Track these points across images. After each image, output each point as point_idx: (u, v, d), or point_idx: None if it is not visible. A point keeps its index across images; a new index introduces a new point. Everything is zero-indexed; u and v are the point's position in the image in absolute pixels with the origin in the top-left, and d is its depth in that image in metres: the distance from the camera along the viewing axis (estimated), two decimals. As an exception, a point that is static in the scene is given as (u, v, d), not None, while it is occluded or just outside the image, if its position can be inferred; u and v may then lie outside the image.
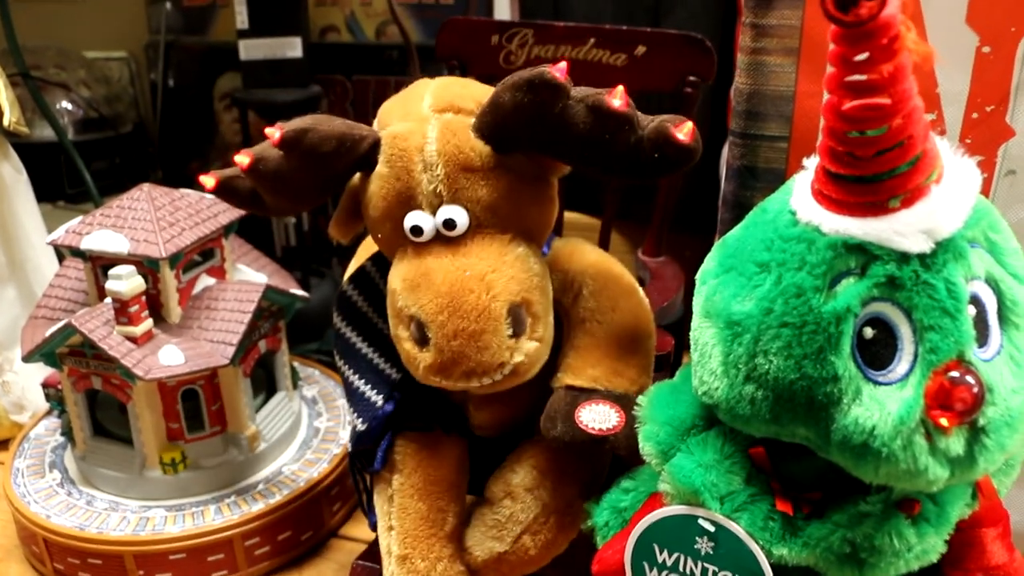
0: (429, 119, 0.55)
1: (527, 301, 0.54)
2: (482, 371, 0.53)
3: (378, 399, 0.62)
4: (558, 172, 0.58)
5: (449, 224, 0.54)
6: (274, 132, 0.55)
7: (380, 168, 0.56)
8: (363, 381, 0.64)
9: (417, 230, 0.55)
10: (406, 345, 0.55)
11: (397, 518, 0.62)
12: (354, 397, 0.64)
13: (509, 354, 0.53)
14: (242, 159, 0.57)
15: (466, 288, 0.53)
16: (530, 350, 0.54)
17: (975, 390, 0.38)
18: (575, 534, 0.60)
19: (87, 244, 0.72)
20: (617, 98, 0.49)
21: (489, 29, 0.77)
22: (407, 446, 0.63)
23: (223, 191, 0.60)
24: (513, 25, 0.75)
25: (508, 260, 0.54)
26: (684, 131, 0.48)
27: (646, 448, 0.49)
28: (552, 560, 0.61)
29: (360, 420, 0.63)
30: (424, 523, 0.61)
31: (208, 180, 0.59)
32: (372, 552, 0.67)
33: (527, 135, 0.53)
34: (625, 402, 0.56)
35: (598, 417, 0.55)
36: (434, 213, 0.54)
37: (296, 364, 0.93)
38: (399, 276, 0.56)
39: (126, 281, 0.69)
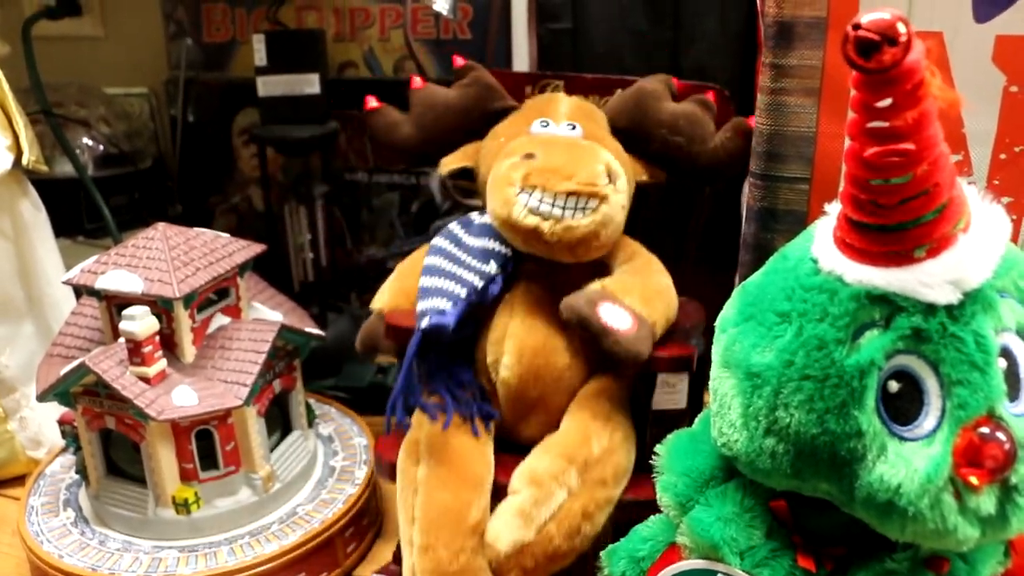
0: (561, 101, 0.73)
1: (615, 168, 0.64)
2: (580, 178, 0.60)
3: (490, 266, 0.66)
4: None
5: (571, 127, 0.69)
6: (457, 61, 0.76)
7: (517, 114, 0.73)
8: (473, 257, 0.68)
9: (544, 123, 0.69)
10: (514, 174, 0.62)
11: (421, 508, 0.62)
12: (463, 266, 0.67)
13: (605, 180, 0.61)
14: (418, 81, 0.76)
15: (578, 147, 0.64)
16: (614, 197, 0.62)
17: (1006, 447, 0.36)
18: (601, 526, 0.61)
19: (102, 284, 0.72)
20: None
21: (522, 80, 0.79)
22: (435, 438, 0.63)
23: (379, 114, 0.76)
24: (544, 76, 0.78)
25: (608, 154, 0.65)
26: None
27: (664, 499, 0.48)
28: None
29: (475, 276, 0.66)
30: (448, 513, 0.61)
31: (371, 100, 0.77)
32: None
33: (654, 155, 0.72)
34: (643, 320, 0.61)
35: (615, 315, 0.60)
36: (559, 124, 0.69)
37: (312, 401, 0.93)
38: (515, 143, 0.67)
39: (139, 322, 0.68)
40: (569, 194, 0.60)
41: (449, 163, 0.73)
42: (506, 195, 0.62)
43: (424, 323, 0.62)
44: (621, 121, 0.72)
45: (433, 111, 0.74)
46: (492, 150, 0.70)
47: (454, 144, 0.74)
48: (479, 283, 0.65)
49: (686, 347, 0.64)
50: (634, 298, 0.62)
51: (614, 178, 0.63)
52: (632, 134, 0.72)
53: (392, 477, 0.67)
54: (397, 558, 0.75)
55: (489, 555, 0.60)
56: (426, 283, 0.66)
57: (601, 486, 0.61)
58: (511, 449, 0.66)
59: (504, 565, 0.59)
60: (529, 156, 0.62)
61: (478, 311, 0.66)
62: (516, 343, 0.65)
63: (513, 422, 0.67)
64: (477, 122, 0.74)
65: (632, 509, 0.62)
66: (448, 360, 0.67)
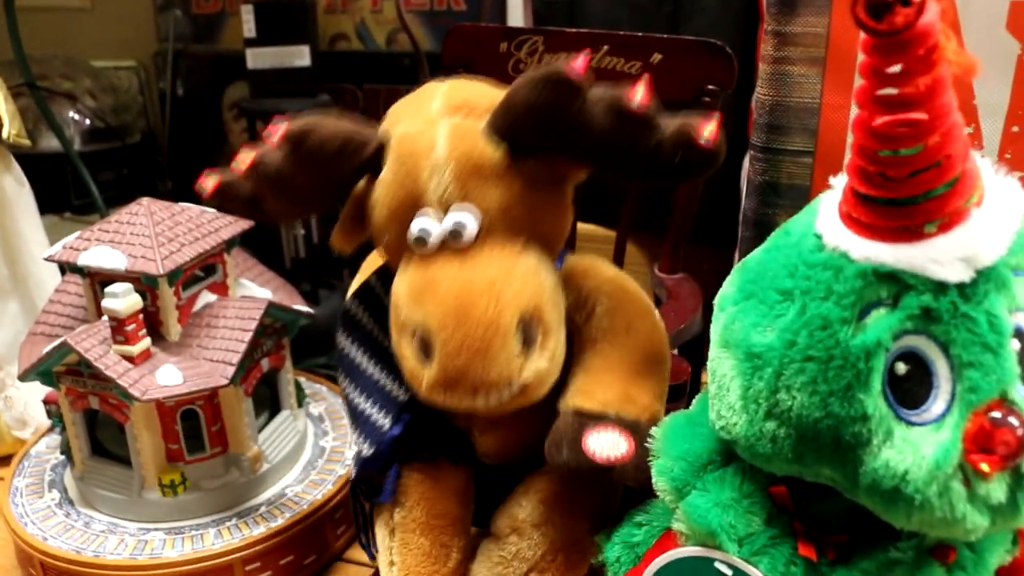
0: (438, 121, 0.52)
1: (538, 314, 0.50)
2: (488, 388, 0.49)
3: (385, 422, 0.59)
4: (574, 177, 0.55)
5: (456, 233, 0.51)
6: (275, 131, 0.53)
7: (386, 172, 0.53)
8: (369, 402, 0.61)
9: (422, 239, 0.51)
10: (409, 361, 0.52)
11: (399, 553, 0.59)
12: (359, 420, 0.61)
13: (518, 371, 0.49)
14: (243, 159, 0.54)
15: (473, 298, 0.49)
16: (540, 367, 0.50)
17: (1019, 432, 0.35)
18: (584, 571, 0.58)
19: (84, 260, 0.70)
20: (637, 95, 0.46)
21: (497, 36, 0.74)
22: (410, 477, 0.60)
23: (222, 195, 0.57)
24: (522, 32, 0.72)
25: (519, 270, 0.51)
26: (708, 132, 0.46)
27: (660, 484, 0.47)
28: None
29: (366, 444, 0.60)
30: (427, 559, 0.59)
31: (208, 182, 0.57)
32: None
33: (542, 136, 0.50)
34: (636, 430, 0.52)
35: (606, 444, 0.52)
36: (441, 220, 0.51)
37: (303, 380, 0.91)
38: (403, 285, 0.53)
39: (122, 299, 0.67)
40: (487, 389, 0.50)
41: (343, 248, 0.60)
42: (410, 370, 0.53)
43: (353, 473, 0.61)
44: (524, 134, 0.52)
45: (286, 191, 0.57)
46: (380, 244, 0.57)
47: (328, 198, 0.59)
48: (405, 397, 0.59)
49: (679, 369, 0.61)
50: (616, 391, 0.54)
51: (532, 343, 0.50)
52: (541, 140, 0.52)
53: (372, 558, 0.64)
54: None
55: None
56: (350, 398, 0.62)
57: (583, 534, 0.58)
58: (488, 468, 0.62)
59: None
60: (425, 340, 0.51)
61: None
62: (488, 442, 0.60)
63: (483, 435, 0.62)
64: (341, 180, 0.57)
65: None
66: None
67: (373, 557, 0.62)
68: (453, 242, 0.51)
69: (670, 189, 0.74)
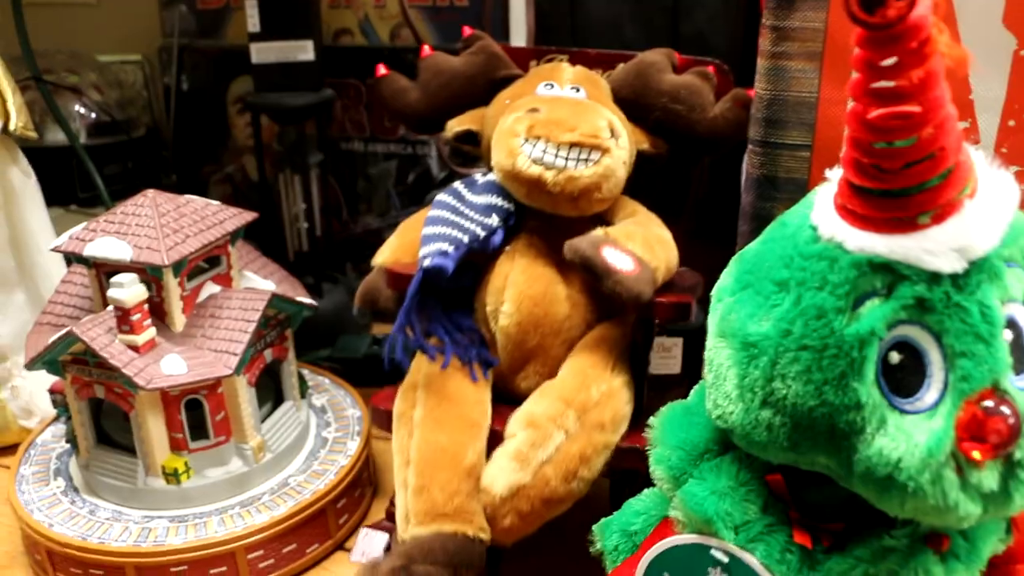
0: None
1: (616, 129, 0.65)
2: (588, 131, 0.62)
3: (493, 220, 0.67)
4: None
5: (575, 88, 0.70)
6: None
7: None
8: (475, 210, 0.69)
9: (549, 85, 0.70)
10: (518, 126, 0.63)
11: (416, 449, 0.62)
12: (464, 216, 0.68)
13: (607, 134, 0.63)
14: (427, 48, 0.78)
15: (579, 101, 0.67)
16: (614, 155, 0.63)
17: (1011, 421, 0.35)
18: (598, 471, 0.61)
19: (90, 251, 0.71)
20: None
21: (526, 55, 0.80)
22: (433, 380, 0.64)
23: (387, 77, 0.77)
24: (550, 51, 0.79)
25: (610, 113, 0.67)
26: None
27: (657, 472, 0.47)
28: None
29: (476, 225, 0.66)
30: (443, 455, 0.61)
31: (383, 67, 0.78)
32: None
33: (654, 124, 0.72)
34: (645, 265, 0.62)
35: (618, 258, 0.60)
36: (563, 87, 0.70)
37: (306, 372, 0.92)
38: (521, 102, 0.68)
39: (128, 289, 0.67)
40: (572, 145, 0.61)
41: (454, 125, 0.74)
42: (511, 146, 0.63)
43: (426, 263, 0.63)
44: (624, 91, 0.73)
45: (439, 78, 0.75)
46: (497, 112, 0.71)
47: (460, 110, 0.75)
48: (481, 232, 0.65)
49: (685, 296, 0.65)
50: (636, 244, 0.63)
51: (616, 134, 0.64)
52: (634, 103, 0.72)
53: (388, 425, 0.68)
54: (389, 517, 0.75)
55: (484, 500, 0.60)
56: (428, 231, 0.67)
57: (599, 430, 0.61)
58: (509, 401, 0.66)
59: (500, 509, 0.59)
60: (534, 111, 0.64)
61: (479, 260, 0.67)
62: (516, 292, 0.65)
63: (511, 372, 0.68)
64: (482, 89, 0.75)
65: (629, 456, 0.62)
66: (448, 307, 0.68)
67: (384, 422, 0.68)
68: (569, 94, 0.70)
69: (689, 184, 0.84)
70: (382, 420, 0.70)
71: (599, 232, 0.64)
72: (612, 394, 0.63)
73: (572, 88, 0.70)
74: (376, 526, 0.75)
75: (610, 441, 0.62)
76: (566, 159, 0.62)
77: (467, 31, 0.78)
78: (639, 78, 0.72)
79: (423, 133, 0.95)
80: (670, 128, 0.72)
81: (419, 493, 0.60)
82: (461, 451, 0.61)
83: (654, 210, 0.71)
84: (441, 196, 0.71)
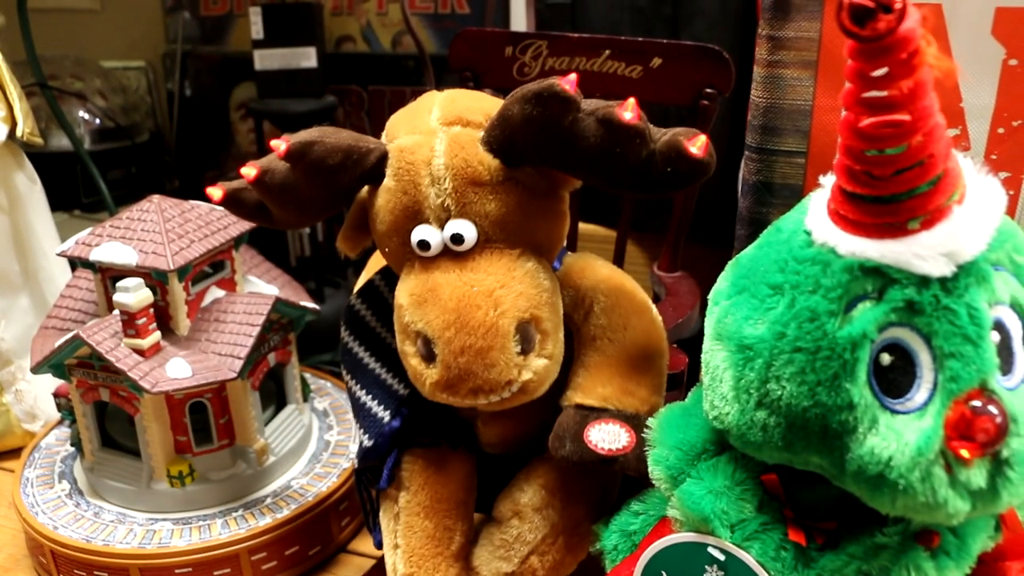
0: (437, 132, 0.54)
1: (536, 318, 0.52)
2: (489, 388, 0.51)
3: (385, 415, 0.61)
4: (569, 186, 0.56)
5: (456, 239, 0.53)
6: (280, 144, 0.54)
7: (387, 182, 0.54)
8: (370, 396, 0.63)
9: (424, 245, 0.54)
10: (412, 361, 0.54)
11: (403, 536, 0.61)
12: (361, 412, 0.63)
13: (517, 371, 0.52)
14: (248, 171, 0.56)
15: (473, 304, 0.51)
16: (539, 367, 0.52)
17: (998, 420, 0.36)
18: (584, 555, 0.59)
19: (96, 256, 0.72)
20: (628, 111, 0.47)
21: (502, 40, 0.75)
22: (414, 463, 0.62)
23: (230, 203, 0.59)
24: (527, 36, 0.73)
25: (517, 275, 0.53)
26: (697, 145, 0.47)
27: (655, 472, 0.48)
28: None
29: (367, 436, 0.62)
30: (430, 542, 0.60)
31: (215, 192, 0.59)
32: (380, 569, 0.66)
33: (536, 148, 0.51)
34: (636, 422, 0.55)
35: (608, 437, 0.54)
36: (441, 227, 0.53)
37: (308, 376, 0.93)
38: (406, 291, 0.55)
39: (133, 293, 0.68)
40: (488, 388, 0.52)
41: (349, 251, 0.63)
42: (413, 370, 0.55)
43: (356, 463, 0.63)
44: (519, 146, 0.53)
45: (291, 201, 0.58)
46: (383, 250, 0.59)
47: (333, 205, 0.60)
48: (400, 414, 0.61)
49: (676, 359, 0.63)
50: (615, 386, 0.57)
51: (531, 346, 0.52)
52: (535, 152, 0.53)
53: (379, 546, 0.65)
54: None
55: None
56: (353, 392, 0.64)
57: (584, 520, 0.60)
58: (491, 457, 0.64)
59: None
60: (427, 343, 0.53)
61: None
62: (491, 432, 0.62)
63: (487, 427, 0.63)
64: (344, 189, 0.57)
65: None
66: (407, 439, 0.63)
67: (380, 545, 0.64)
68: (453, 248, 0.53)
69: (664, 195, 0.74)
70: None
71: (571, 414, 0.56)
72: (599, 479, 0.61)
73: (454, 232, 0.53)
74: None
75: (595, 526, 0.59)
76: (487, 396, 0.52)
77: (280, 150, 0.55)
78: (529, 142, 0.52)
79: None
80: (585, 168, 0.53)
81: None
82: (448, 536, 0.61)
83: (643, 220, 0.68)
84: (356, 309, 0.65)
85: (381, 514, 0.64)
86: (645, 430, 0.51)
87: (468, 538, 0.61)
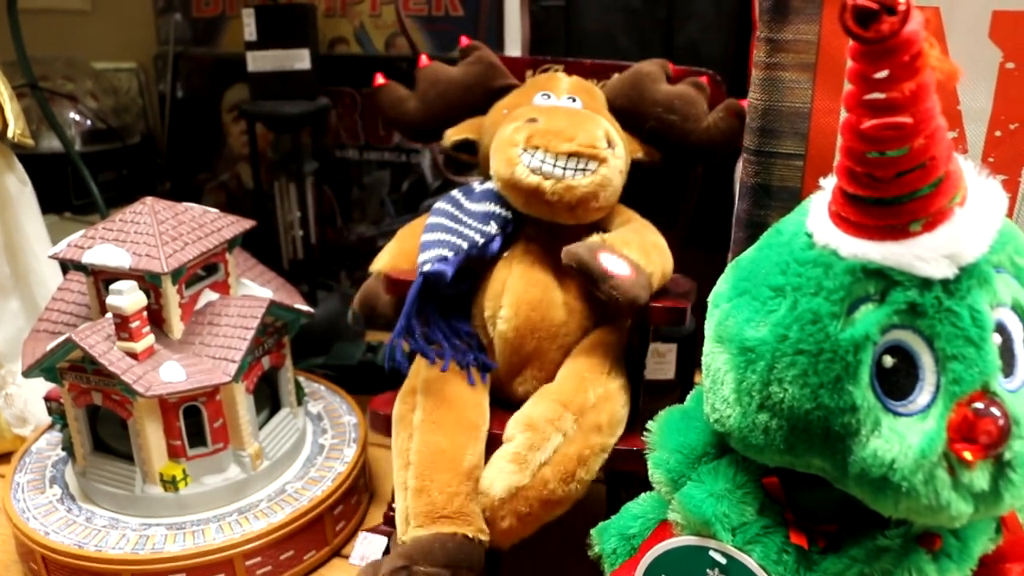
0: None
1: (611, 136, 0.66)
2: (585, 142, 0.63)
3: (480, 238, 0.68)
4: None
5: (571, 99, 0.71)
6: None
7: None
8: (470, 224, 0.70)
9: (546, 96, 0.71)
10: (517, 135, 0.64)
11: (416, 451, 0.63)
12: (459, 226, 0.69)
13: (604, 144, 0.64)
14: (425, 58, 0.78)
15: (576, 111, 0.68)
16: (611, 165, 0.65)
17: (1000, 422, 0.36)
18: (595, 472, 0.61)
19: (88, 258, 0.71)
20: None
21: (522, 65, 0.81)
22: (432, 383, 0.65)
23: (386, 87, 0.79)
24: (545, 61, 0.80)
25: (606, 120, 0.69)
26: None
27: (656, 475, 0.48)
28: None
29: (463, 240, 0.67)
30: (443, 457, 0.62)
31: (380, 77, 0.79)
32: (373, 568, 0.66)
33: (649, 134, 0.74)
34: (641, 270, 0.63)
35: (614, 263, 0.62)
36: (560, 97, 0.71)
37: (302, 379, 0.92)
38: (518, 112, 0.69)
39: (127, 296, 0.68)
40: (570, 155, 0.63)
41: (453, 134, 0.75)
42: (509, 155, 0.64)
43: (426, 268, 0.64)
44: (619, 100, 0.74)
45: (436, 87, 0.77)
46: (495, 121, 0.72)
47: (457, 119, 0.77)
48: (480, 239, 0.67)
49: (680, 302, 0.66)
50: (633, 250, 0.64)
51: (612, 144, 0.66)
52: (628, 113, 0.74)
53: (386, 430, 0.69)
54: (387, 522, 0.76)
55: (483, 502, 0.60)
56: (428, 238, 0.68)
57: (596, 432, 0.62)
58: (506, 406, 0.67)
59: (498, 511, 0.60)
60: (532, 120, 0.65)
61: (477, 267, 0.68)
62: (513, 297, 0.66)
63: (509, 377, 0.68)
64: (480, 99, 0.77)
65: (625, 458, 0.63)
66: (446, 312, 0.69)
67: (383, 426, 0.69)
68: (566, 103, 0.71)
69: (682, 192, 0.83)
70: (380, 424, 0.71)
71: (596, 238, 0.65)
72: (609, 397, 0.64)
73: (568, 98, 0.72)
74: (374, 530, 0.76)
75: (607, 443, 0.62)
76: (564, 168, 0.63)
77: (464, 41, 0.79)
78: (634, 88, 0.74)
79: (421, 141, 0.97)
80: (664, 137, 0.74)
81: (419, 495, 0.61)
82: (460, 453, 0.62)
83: (649, 217, 0.72)
84: (440, 204, 0.72)
85: (394, 435, 0.67)
86: (644, 280, 0.62)
87: (480, 460, 0.63)
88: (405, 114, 0.78)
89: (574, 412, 0.62)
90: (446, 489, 0.60)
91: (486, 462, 0.63)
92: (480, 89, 0.77)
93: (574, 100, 0.72)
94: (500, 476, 0.60)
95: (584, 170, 0.63)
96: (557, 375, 0.66)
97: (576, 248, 0.63)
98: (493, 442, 0.64)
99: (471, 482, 0.61)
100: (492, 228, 0.67)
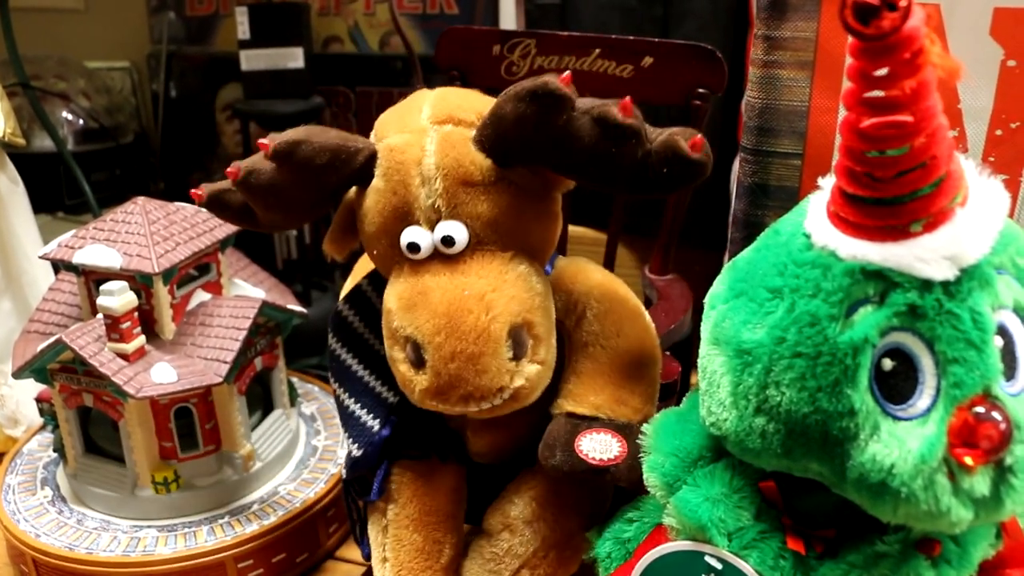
0: (427, 131, 0.53)
1: (528, 322, 0.51)
2: (480, 395, 0.50)
3: (375, 423, 0.60)
4: (562, 187, 0.55)
5: (447, 241, 0.51)
6: (266, 143, 0.53)
7: (376, 182, 0.53)
8: (359, 405, 0.61)
9: (414, 247, 0.52)
10: (402, 367, 0.53)
11: (392, 550, 0.60)
12: (349, 421, 0.62)
13: (509, 377, 0.50)
14: (232, 171, 0.54)
15: (464, 308, 0.50)
16: (531, 374, 0.51)
17: (1002, 427, 0.35)
18: (575, 568, 0.58)
19: (79, 258, 0.70)
20: (623, 110, 0.46)
21: (490, 38, 0.74)
22: (403, 475, 0.61)
23: (214, 205, 0.58)
24: (515, 34, 0.72)
25: (509, 279, 0.51)
26: (694, 145, 0.46)
27: (651, 479, 0.47)
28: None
29: (356, 445, 0.60)
30: (419, 555, 0.59)
31: (199, 193, 0.57)
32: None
33: (529, 148, 0.50)
34: (628, 432, 0.54)
35: (599, 447, 0.53)
36: (432, 229, 0.52)
37: (295, 380, 0.92)
38: (395, 295, 0.53)
39: (118, 297, 0.67)
40: (480, 395, 0.50)
41: (335, 254, 0.61)
42: (402, 376, 0.53)
43: (344, 473, 0.62)
44: (512, 144, 0.52)
45: (278, 201, 0.56)
46: (371, 252, 0.57)
47: (321, 205, 0.58)
48: (396, 400, 0.60)
49: (669, 369, 0.61)
50: (608, 395, 0.56)
51: (523, 351, 0.51)
52: (528, 152, 0.52)
53: (367, 558, 0.65)
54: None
55: None
56: (341, 401, 0.63)
57: (579, 530, 0.58)
58: (481, 467, 0.63)
59: None
60: (417, 348, 0.51)
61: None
62: (481, 442, 0.61)
63: (476, 436, 0.62)
64: (331, 188, 0.56)
65: None
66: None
67: (368, 556, 0.63)
68: (444, 251, 0.52)
69: (660, 196, 0.74)
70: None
71: (562, 423, 0.55)
72: (591, 488, 0.59)
73: (444, 234, 0.51)
74: None
75: (586, 537, 0.58)
76: (478, 403, 0.51)
77: (264, 146, 0.54)
78: (522, 142, 0.51)
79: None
80: (579, 168, 0.52)
81: None
82: (437, 548, 0.60)
83: (640, 216, 0.67)
84: (344, 316, 0.64)
85: (369, 527, 0.63)
86: (638, 439, 0.50)
87: (458, 551, 0.61)
88: (263, 223, 0.59)
89: (553, 513, 0.58)
90: None
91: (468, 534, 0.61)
92: (321, 187, 0.55)
93: (453, 240, 0.51)
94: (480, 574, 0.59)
95: (499, 395, 0.50)
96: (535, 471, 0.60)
97: (551, 454, 0.54)
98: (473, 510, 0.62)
99: (450, 574, 0.60)
100: (377, 426, 0.60)
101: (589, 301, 0.57)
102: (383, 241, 0.54)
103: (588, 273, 0.58)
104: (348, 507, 0.65)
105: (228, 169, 0.55)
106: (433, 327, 0.50)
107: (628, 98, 0.47)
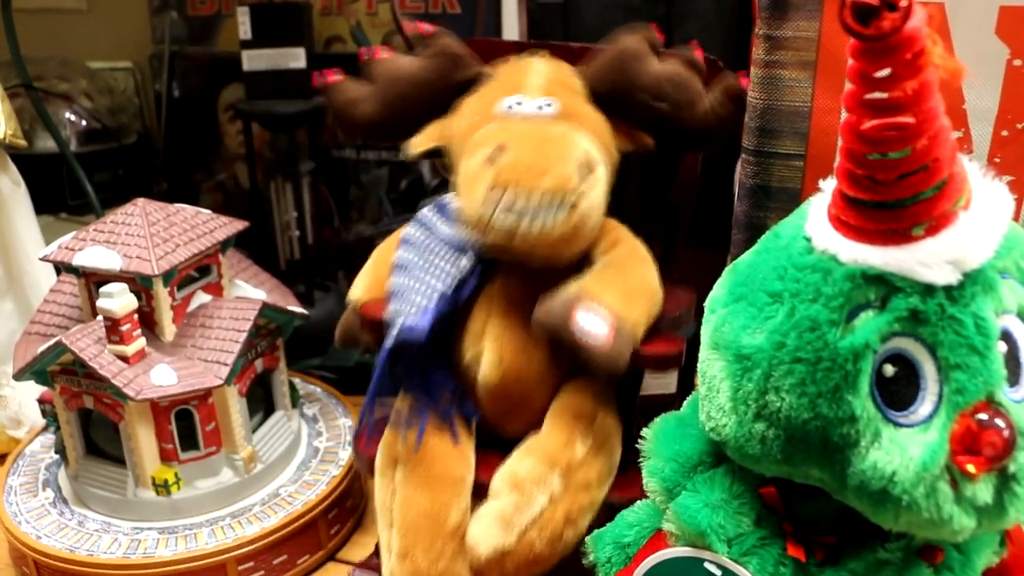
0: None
1: (592, 163, 0.58)
2: (548, 193, 0.55)
3: (430, 302, 0.62)
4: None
5: (546, 105, 0.62)
6: (416, 26, 0.68)
7: (492, 76, 0.67)
8: (418, 285, 0.63)
9: (516, 103, 0.62)
10: (485, 172, 0.57)
11: (399, 512, 0.60)
12: (405, 296, 0.63)
13: (573, 188, 0.56)
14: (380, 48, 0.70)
15: (547, 131, 0.60)
16: (592, 194, 0.57)
17: (1005, 434, 0.35)
18: (584, 531, 0.58)
19: (79, 260, 0.70)
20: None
21: (511, 49, 0.74)
22: (412, 439, 0.62)
23: (335, 88, 0.70)
24: (530, 46, 0.73)
25: (584, 141, 0.60)
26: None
27: (650, 484, 0.47)
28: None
29: (413, 315, 0.61)
30: (426, 518, 0.59)
31: (328, 75, 0.71)
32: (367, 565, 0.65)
33: (638, 120, 0.66)
34: (621, 328, 0.57)
35: (591, 323, 0.56)
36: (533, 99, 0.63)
37: (297, 381, 0.91)
38: (485, 131, 0.61)
39: (117, 299, 0.67)
40: (543, 192, 0.55)
41: (418, 144, 0.68)
42: (476, 194, 0.57)
43: (390, 341, 0.60)
44: (601, 87, 0.66)
45: (396, 87, 0.68)
46: (462, 130, 0.65)
47: (419, 119, 0.68)
48: (450, 287, 0.62)
49: (673, 342, 0.61)
50: (614, 296, 0.58)
51: (592, 167, 0.58)
52: (613, 100, 0.66)
53: (371, 471, 0.65)
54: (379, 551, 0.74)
55: (470, 556, 0.58)
56: (396, 283, 0.63)
57: (584, 490, 0.59)
58: (493, 444, 0.64)
59: (484, 569, 0.58)
60: (500, 149, 0.57)
61: (453, 305, 0.63)
62: (496, 342, 0.62)
63: (494, 419, 0.65)
64: (443, 94, 0.67)
65: (618, 510, 0.59)
66: (423, 360, 0.63)
67: (368, 468, 0.65)
68: (540, 112, 0.62)
69: (680, 189, 0.78)
70: (364, 466, 0.67)
71: (572, 289, 0.58)
72: (598, 449, 0.60)
73: (543, 101, 0.62)
74: (365, 565, 0.73)
75: (596, 499, 0.59)
76: (536, 210, 0.55)
77: (426, 28, 0.69)
78: (617, 72, 0.65)
79: (379, 143, 0.93)
80: (654, 126, 0.66)
81: (403, 558, 0.59)
82: (444, 512, 0.60)
83: (641, 217, 0.68)
84: (410, 230, 0.67)
85: (376, 492, 0.63)
86: (624, 340, 0.56)
87: (465, 516, 0.60)
88: (360, 116, 0.69)
89: (561, 470, 0.58)
90: (430, 552, 0.58)
91: (474, 508, 0.60)
92: (443, 84, 0.67)
93: (550, 104, 0.62)
94: (486, 535, 0.57)
95: (560, 207, 0.56)
96: (544, 423, 0.62)
97: (548, 310, 0.56)
98: (481, 487, 0.61)
99: (456, 540, 0.59)
100: (466, 263, 0.62)
101: (615, 244, 0.64)
102: (485, 107, 0.64)
103: (618, 230, 0.66)
104: (370, 406, 0.65)
105: (378, 48, 0.70)
106: (520, 135, 0.59)
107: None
